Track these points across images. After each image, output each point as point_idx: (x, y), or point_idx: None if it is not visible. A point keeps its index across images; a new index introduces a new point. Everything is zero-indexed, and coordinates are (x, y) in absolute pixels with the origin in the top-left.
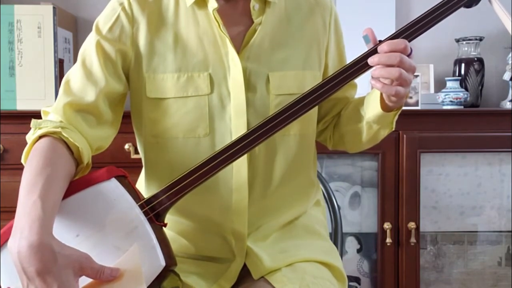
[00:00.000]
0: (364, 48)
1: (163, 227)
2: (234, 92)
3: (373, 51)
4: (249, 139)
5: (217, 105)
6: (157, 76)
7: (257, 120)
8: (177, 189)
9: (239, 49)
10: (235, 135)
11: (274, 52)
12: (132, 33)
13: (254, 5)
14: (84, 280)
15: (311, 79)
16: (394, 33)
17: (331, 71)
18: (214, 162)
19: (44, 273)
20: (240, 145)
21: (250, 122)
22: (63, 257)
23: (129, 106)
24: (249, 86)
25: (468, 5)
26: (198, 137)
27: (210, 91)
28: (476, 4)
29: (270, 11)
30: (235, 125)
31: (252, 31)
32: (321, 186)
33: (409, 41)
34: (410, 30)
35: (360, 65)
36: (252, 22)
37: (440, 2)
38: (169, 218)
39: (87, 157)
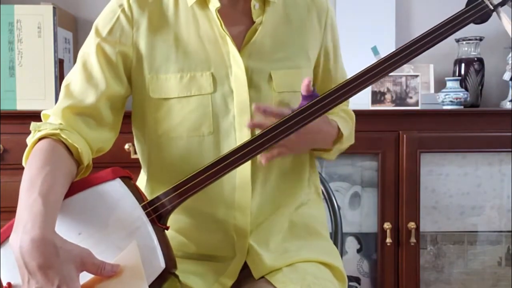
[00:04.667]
0: (365, 50)
1: (165, 230)
2: (237, 90)
3: (378, 64)
4: (253, 145)
5: (220, 104)
6: (160, 76)
7: (260, 117)
8: (180, 192)
9: (240, 47)
10: (239, 133)
11: (275, 51)
12: (133, 35)
13: (255, 4)
14: (85, 277)
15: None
16: (397, 49)
17: (323, 71)
18: (218, 166)
19: (46, 267)
20: (244, 151)
21: (254, 119)
22: (65, 252)
23: (129, 107)
24: (251, 83)
25: (478, 22)
26: (202, 135)
27: (213, 90)
28: (485, 21)
29: (270, 10)
30: (239, 122)
31: (253, 31)
32: (321, 186)
33: (413, 57)
34: (416, 46)
35: (370, 75)
36: (252, 21)
37: (449, 18)
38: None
39: (87, 158)
